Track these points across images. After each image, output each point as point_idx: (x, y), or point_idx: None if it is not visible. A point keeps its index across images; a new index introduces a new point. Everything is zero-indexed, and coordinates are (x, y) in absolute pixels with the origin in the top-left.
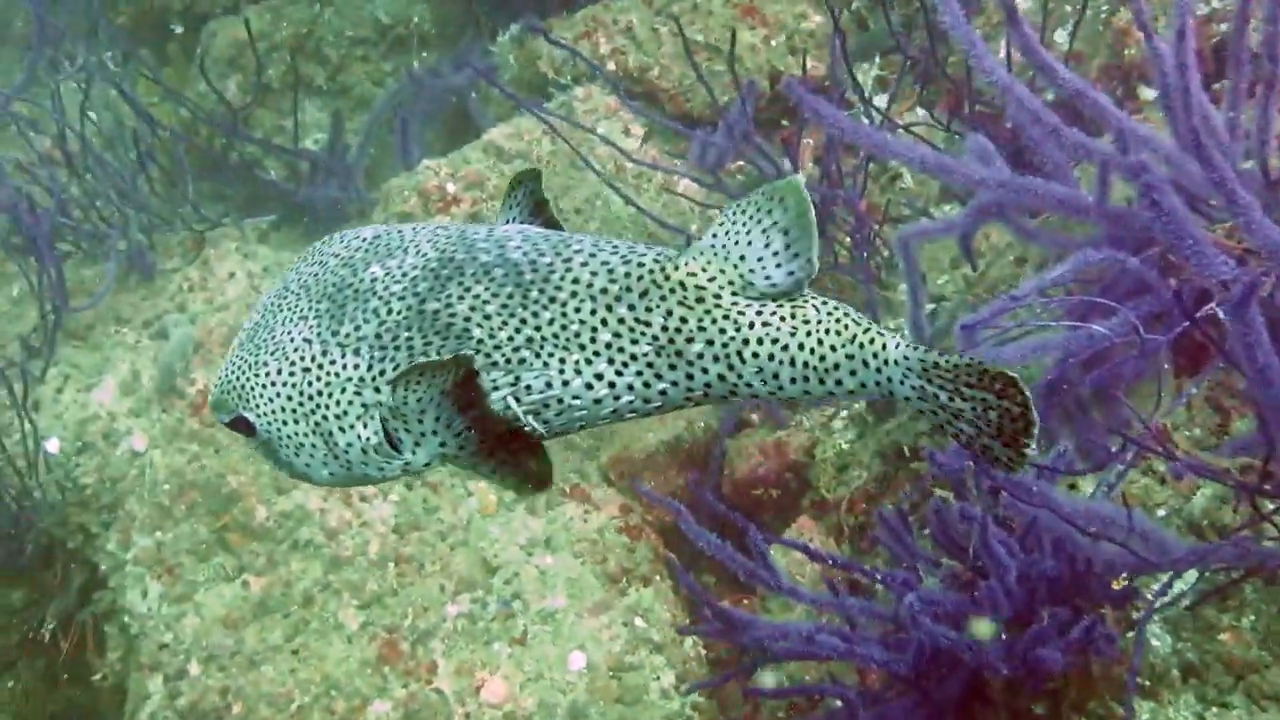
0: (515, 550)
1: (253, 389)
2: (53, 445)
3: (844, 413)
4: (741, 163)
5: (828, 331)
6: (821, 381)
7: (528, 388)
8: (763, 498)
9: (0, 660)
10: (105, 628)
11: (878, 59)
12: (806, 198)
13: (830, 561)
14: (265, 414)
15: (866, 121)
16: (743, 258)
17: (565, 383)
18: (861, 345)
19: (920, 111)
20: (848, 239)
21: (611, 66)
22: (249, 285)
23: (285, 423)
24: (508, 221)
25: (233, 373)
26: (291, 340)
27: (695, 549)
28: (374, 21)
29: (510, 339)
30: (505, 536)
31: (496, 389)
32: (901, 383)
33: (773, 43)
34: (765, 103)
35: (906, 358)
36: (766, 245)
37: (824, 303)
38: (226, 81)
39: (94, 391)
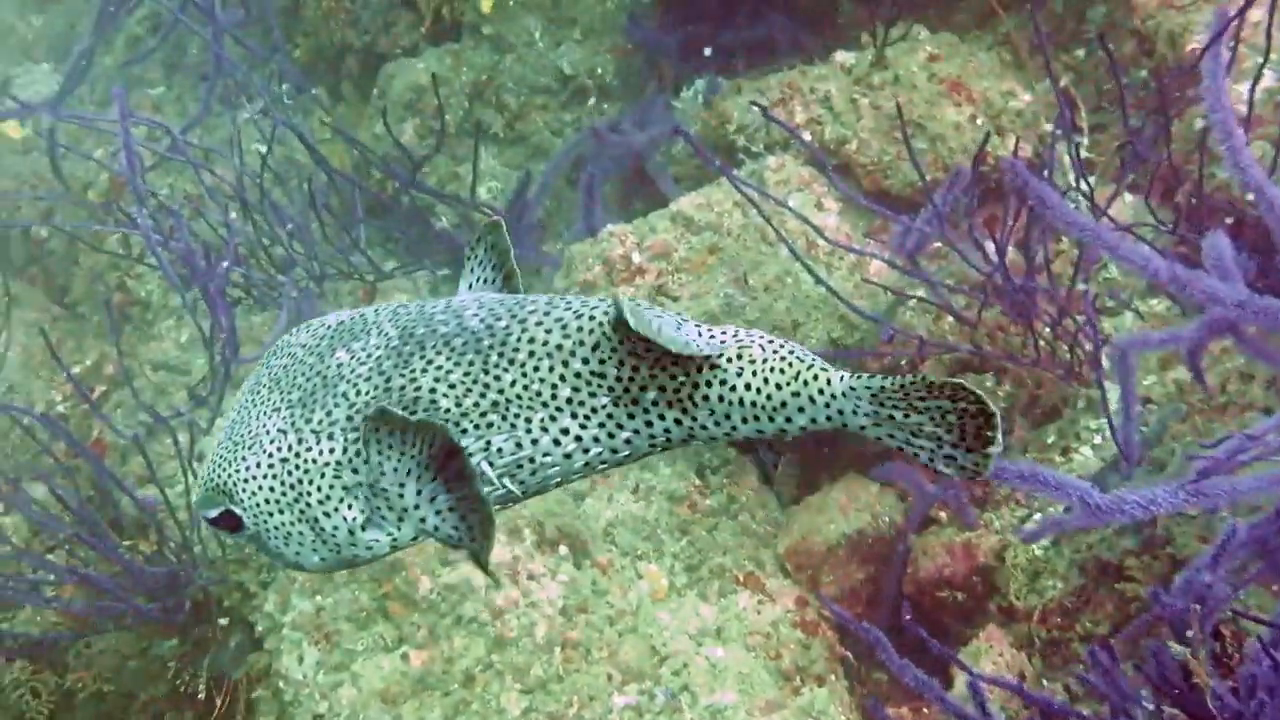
0: (685, 640)
1: (235, 485)
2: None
3: (1037, 515)
4: (939, 244)
5: (772, 370)
6: (772, 419)
7: (499, 450)
8: (947, 600)
9: (148, 710)
10: (259, 690)
11: (1085, 138)
12: (640, 318)
13: (1025, 697)
14: (250, 508)
15: (1075, 206)
16: (679, 325)
17: (534, 441)
18: (806, 382)
19: (1128, 197)
20: (1048, 330)
21: (807, 136)
22: None
23: (271, 514)
24: (473, 274)
25: (214, 471)
26: (267, 433)
27: (872, 648)
28: (556, 70)
29: (476, 405)
30: (675, 624)
31: (470, 455)
32: (854, 413)
33: (978, 121)
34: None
35: (853, 388)
36: (666, 352)
37: (770, 341)
38: (403, 125)
39: None
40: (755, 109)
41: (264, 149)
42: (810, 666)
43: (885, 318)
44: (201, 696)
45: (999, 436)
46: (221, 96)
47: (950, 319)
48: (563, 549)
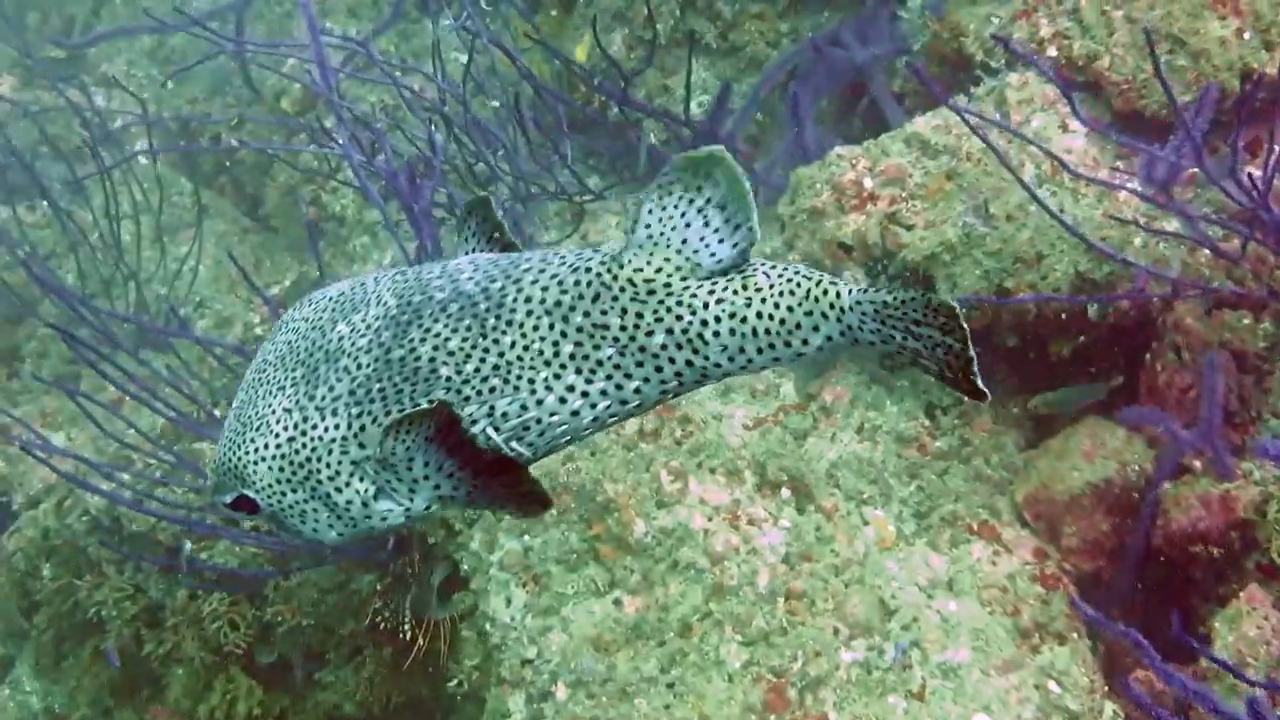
0: (915, 592)
1: (246, 468)
2: None
3: None
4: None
5: (783, 293)
6: (788, 344)
7: (504, 415)
8: (1200, 555)
9: (347, 645)
10: (463, 631)
11: None
12: (736, 167)
13: None
14: (263, 490)
15: None
16: (684, 241)
17: (539, 402)
18: (817, 299)
19: None
20: None
21: (1053, 52)
22: None
23: (284, 494)
24: (466, 252)
25: (225, 455)
26: (274, 412)
27: (1121, 604)
28: None
29: (477, 370)
30: (904, 575)
31: (474, 422)
32: (862, 328)
33: (1245, 35)
34: (1231, 104)
35: (859, 302)
36: (705, 224)
37: (771, 266)
38: (611, 35)
39: None
40: (994, 21)
41: (464, 59)
42: (1050, 624)
43: (1134, 253)
44: (403, 635)
45: (977, 379)
46: (417, 2)
47: (1206, 253)
48: (785, 492)
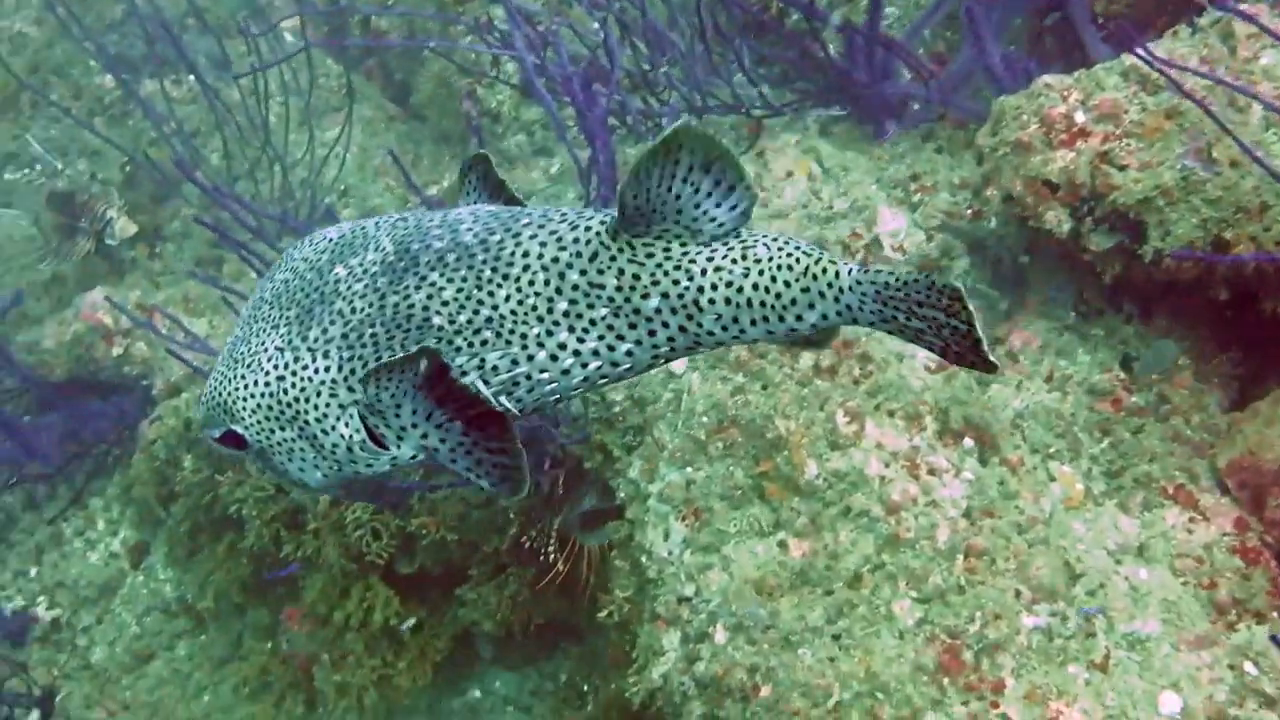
0: (1102, 556)
1: (236, 403)
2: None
3: None
4: None
5: (780, 267)
6: (782, 319)
7: (494, 368)
8: None
9: (490, 562)
10: (616, 560)
11: None
12: (704, 132)
13: None
14: (252, 425)
15: None
16: (680, 211)
17: (530, 358)
18: (815, 276)
19: None
20: None
21: None
22: (808, 189)
23: (272, 431)
24: (468, 201)
25: (215, 389)
26: (265, 351)
27: None
28: None
29: (469, 322)
30: (1091, 538)
31: (464, 373)
32: (862, 308)
33: None
34: None
35: (860, 282)
36: (695, 190)
37: (774, 239)
38: None
39: None
40: None
41: None
42: (1250, 600)
43: None
44: (546, 557)
45: (989, 355)
46: None
47: None
48: (967, 441)
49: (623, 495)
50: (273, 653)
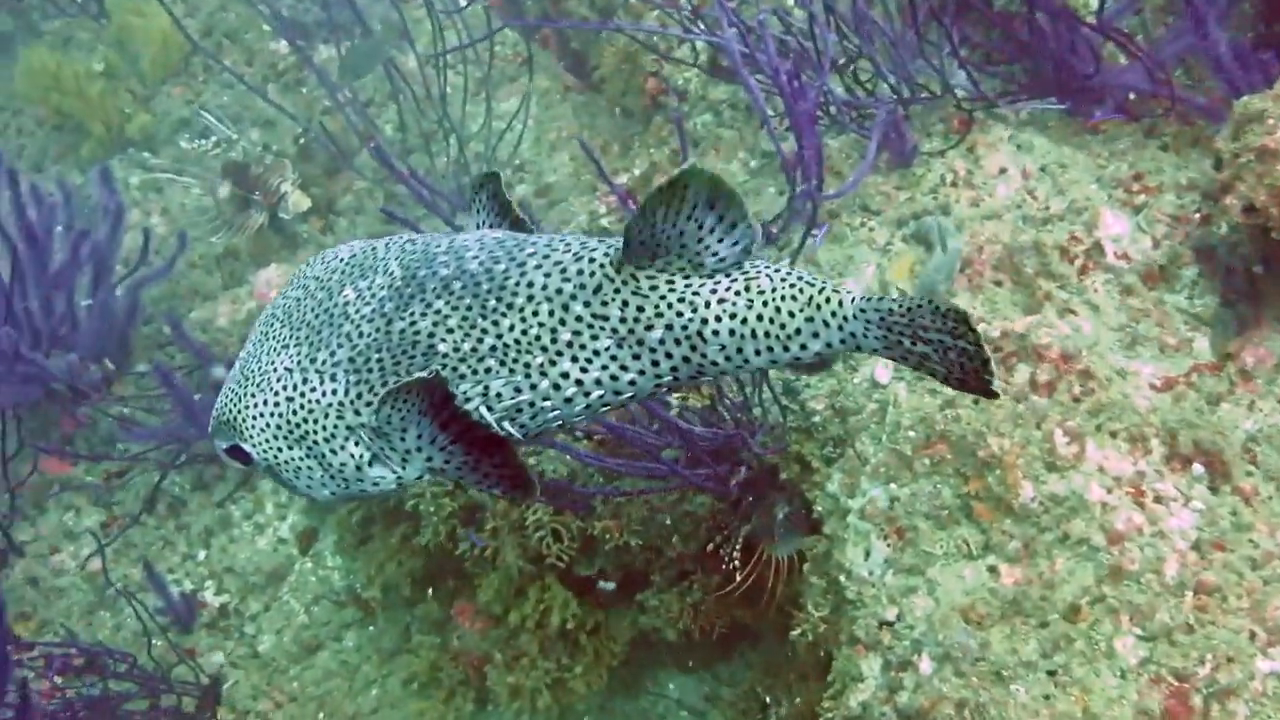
0: None
1: (245, 421)
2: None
3: None
4: None
5: (784, 298)
6: (786, 348)
7: (498, 395)
8: None
9: (673, 567)
10: (812, 578)
11: None
12: (711, 173)
13: None
14: (259, 443)
15: None
16: (684, 246)
17: (533, 386)
18: (819, 306)
19: None
20: None
21: None
22: (1022, 187)
23: (280, 450)
24: (477, 226)
25: (226, 405)
26: (275, 370)
27: None
28: None
29: (474, 350)
30: None
31: (468, 400)
32: (865, 336)
33: None
34: None
35: (864, 310)
36: (699, 226)
37: (776, 270)
38: None
39: None
40: None
41: None
42: None
43: None
44: (732, 566)
45: (995, 381)
46: None
47: None
48: (1197, 467)
49: (820, 509)
50: (443, 649)
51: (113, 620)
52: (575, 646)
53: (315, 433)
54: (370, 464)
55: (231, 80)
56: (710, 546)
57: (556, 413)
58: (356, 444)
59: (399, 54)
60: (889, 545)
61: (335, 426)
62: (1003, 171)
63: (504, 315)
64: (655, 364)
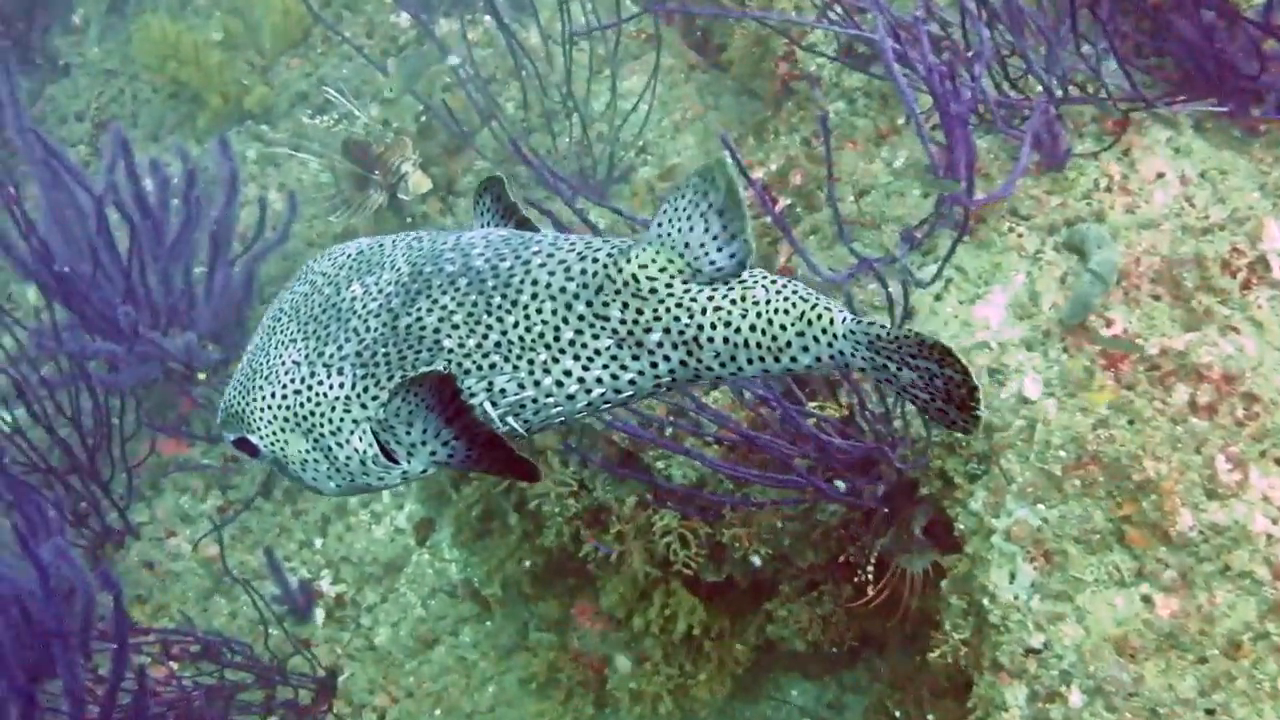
0: None
1: (252, 413)
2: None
3: None
4: None
5: (777, 311)
6: (777, 360)
7: (501, 391)
8: None
9: (802, 578)
10: (952, 598)
11: None
12: (733, 176)
13: None
14: (267, 435)
15: None
16: (687, 245)
17: (536, 382)
18: (810, 322)
19: None
20: None
21: None
22: (1180, 194)
23: (286, 442)
24: (480, 224)
25: (234, 397)
26: (283, 364)
27: None
28: None
29: (479, 346)
30: None
31: (473, 395)
32: (854, 355)
33: None
34: None
35: (853, 331)
36: (706, 230)
37: (773, 281)
38: None
39: (978, 305)
40: None
41: None
42: None
43: None
44: (865, 578)
45: (981, 410)
46: None
47: None
48: None
49: (962, 527)
50: (562, 648)
51: (229, 607)
52: (699, 653)
53: (322, 425)
54: (375, 459)
55: (350, 53)
56: (842, 558)
57: (559, 409)
58: (362, 438)
59: (520, 29)
60: (1035, 569)
61: (342, 419)
62: (1160, 176)
63: (508, 312)
64: (654, 365)
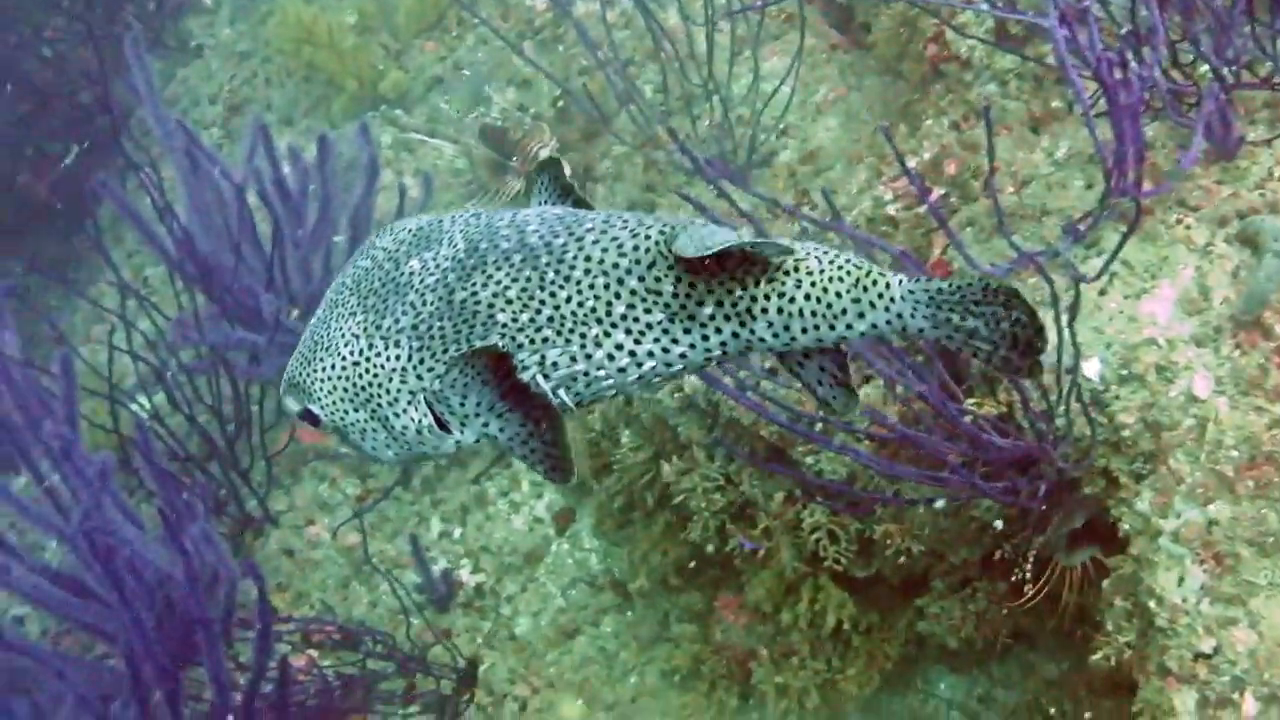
0: None
1: (314, 384)
2: (1092, 369)
3: None
4: None
5: (831, 279)
6: (832, 327)
7: (554, 364)
8: None
9: (955, 574)
10: (1116, 600)
11: None
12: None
13: None
14: (327, 405)
15: None
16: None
17: (588, 356)
18: (865, 288)
19: None
20: None
21: None
22: None
23: (346, 412)
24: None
25: (296, 370)
26: (343, 336)
27: None
28: None
29: (532, 320)
30: None
31: (525, 369)
32: (913, 316)
33: None
34: None
35: (912, 291)
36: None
37: (825, 253)
38: None
39: (1144, 300)
40: None
41: None
42: None
43: None
44: (1022, 577)
45: (1046, 346)
46: None
47: None
48: None
49: (1127, 527)
50: (704, 641)
51: (369, 595)
52: (848, 648)
53: (379, 396)
54: (430, 428)
55: (486, 36)
56: (998, 555)
57: (610, 382)
58: (418, 408)
59: (659, 9)
60: (1206, 571)
61: (399, 390)
62: None
63: (561, 287)
64: (705, 338)
